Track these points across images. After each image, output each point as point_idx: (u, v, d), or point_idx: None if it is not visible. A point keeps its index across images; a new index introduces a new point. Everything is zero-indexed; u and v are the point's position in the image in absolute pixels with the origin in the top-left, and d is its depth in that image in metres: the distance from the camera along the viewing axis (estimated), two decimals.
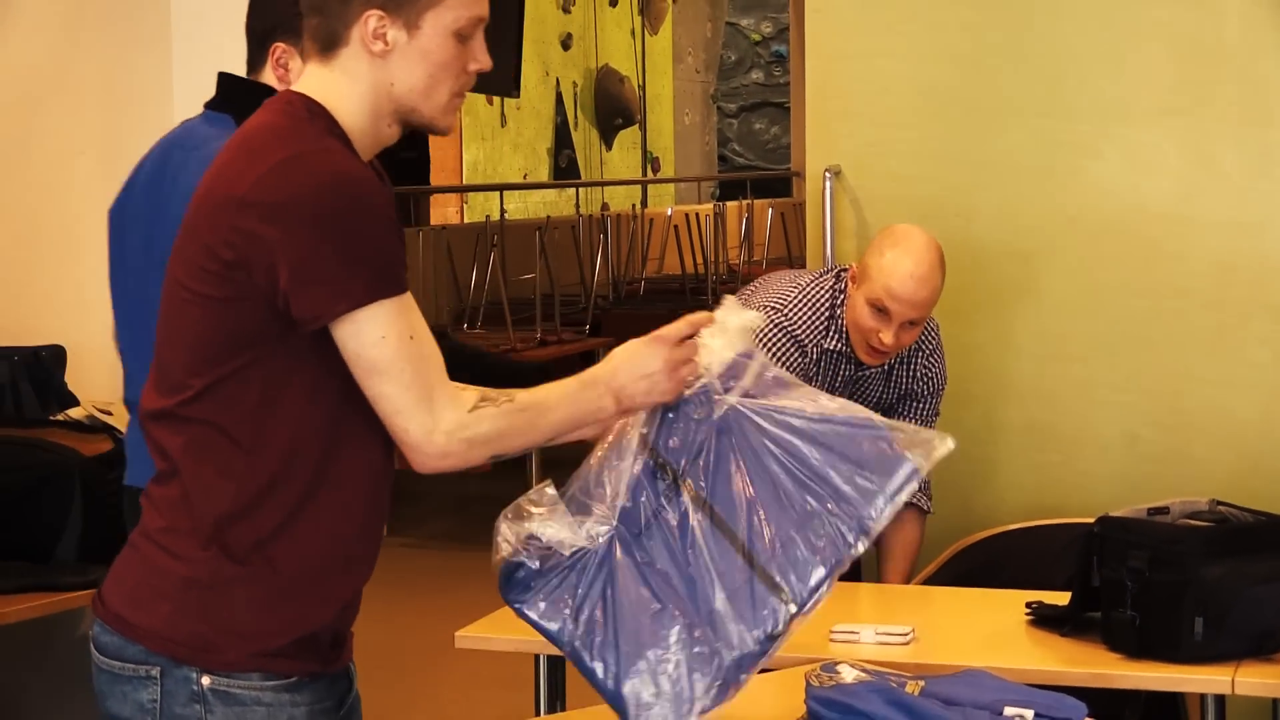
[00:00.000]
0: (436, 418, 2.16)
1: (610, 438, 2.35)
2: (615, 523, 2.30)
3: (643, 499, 2.31)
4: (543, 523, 2.29)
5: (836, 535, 2.28)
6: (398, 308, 2.16)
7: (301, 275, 2.12)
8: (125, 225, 3.35)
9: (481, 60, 2.28)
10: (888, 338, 3.79)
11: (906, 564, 4.05)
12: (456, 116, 2.33)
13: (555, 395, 2.28)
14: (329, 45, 2.24)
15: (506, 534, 2.29)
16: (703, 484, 2.29)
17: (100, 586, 2.30)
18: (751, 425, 2.32)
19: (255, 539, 2.20)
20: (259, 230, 2.13)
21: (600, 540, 2.30)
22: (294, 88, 2.28)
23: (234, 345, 2.18)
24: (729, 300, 2.40)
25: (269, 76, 3.15)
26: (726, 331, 2.33)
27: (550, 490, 2.31)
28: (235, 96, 3.16)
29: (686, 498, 2.29)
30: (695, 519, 2.29)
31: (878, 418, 2.36)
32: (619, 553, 2.29)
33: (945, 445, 2.33)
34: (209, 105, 3.27)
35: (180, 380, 2.22)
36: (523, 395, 2.25)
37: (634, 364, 2.30)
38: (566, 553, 2.29)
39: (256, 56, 3.19)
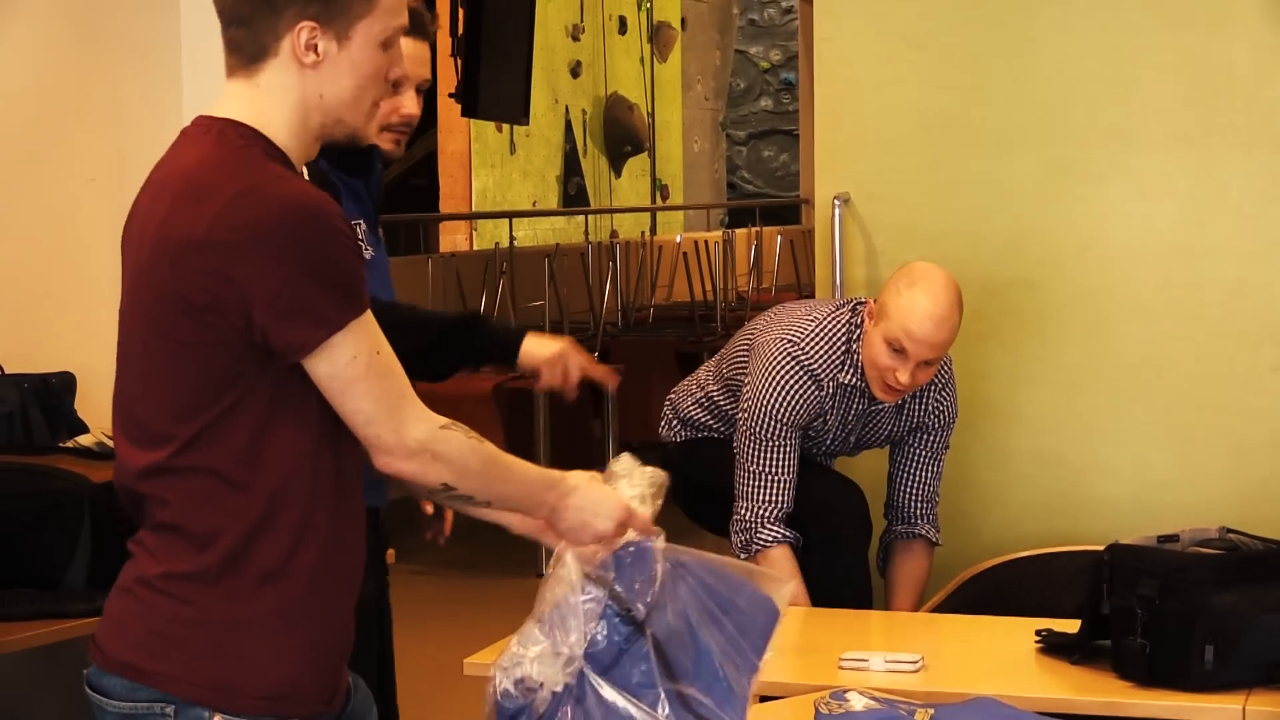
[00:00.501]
0: (409, 424, 2.19)
1: (553, 570, 2.40)
2: (582, 660, 2.33)
3: (600, 637, 2.34)
4: (533, 663, 2.32)
5: (739, 680, 2.37)
6: (363, 326, 2.17)
7: (278, 308, 2.12)
8: None
9: (399, 69, 2.28)
10: (904, 376, 3.78)
11: (914, 594, 4.05)
12: (378, 124, 2.34)
13: (518, 471, 2.32)
14: (255, 58, 2.23)
15: (503, 682, 2.33)
16: (660, 629, 2.34)
17: (95, 634, 2.29)
18: (683, 573, 2.39)
19: (262, 572, 2.20)
20: (225, 269, 2.12)
21: (571, 676, 2.33)
22: (215, 110, 2.26)
23: (217, 388, 2.17)
24: (626, 457, 2.46)
25: None
26: (640, 486, 2.42)
27: (536, 629, 2.34)
28: None
29: (649, 647, 2.33)
30: (655, 670, 2.32)
31: (733, 563, 2.47)
32: (592, 685, 2.33)
33: (788, 589, 2.51)
34: None
35: (165, 431, 2.20)
36: (492, 447, 2.29)
37: (592, 504, 2.35)
38: (559, 688, 2.32)
39: None
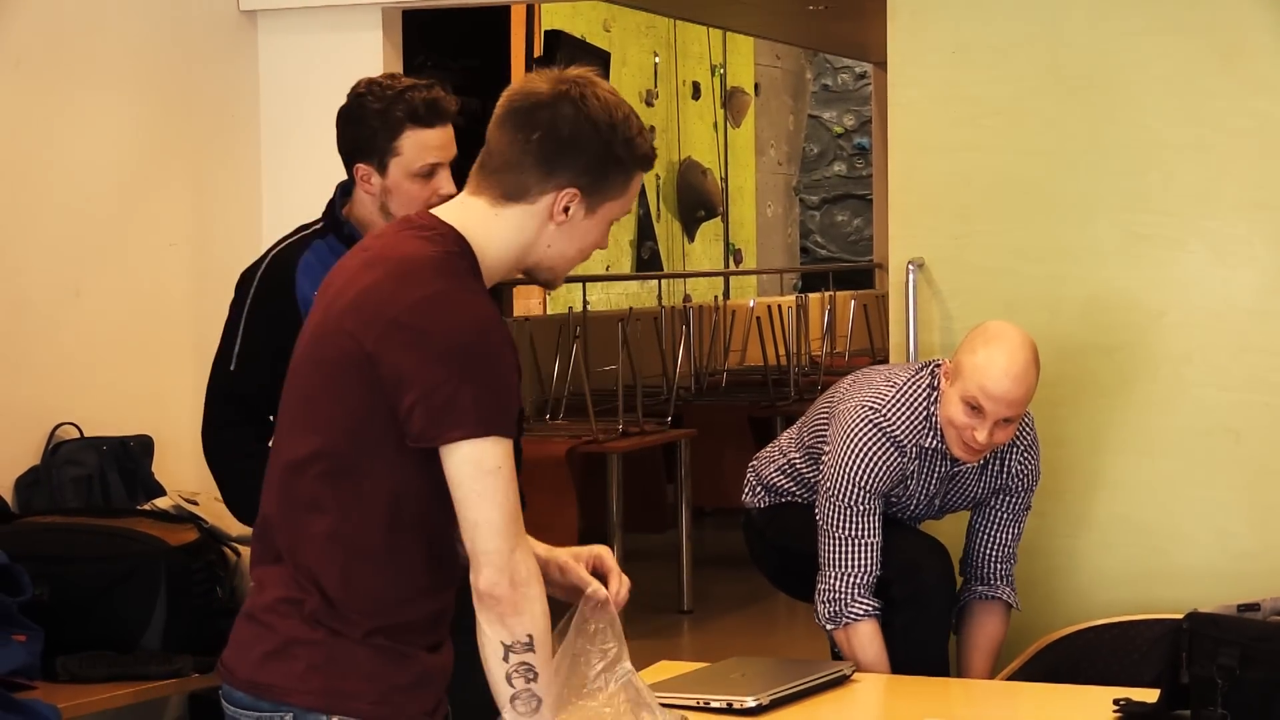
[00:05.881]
0: (523, 554, 2.37)
1: None
2: None
3: None
4: None
5: None
6: (507, 448, 2.37)
7: (434, 401, 2.33)
8: None
9: (605, 244, 2.53)
10: (982, 435, 3.76)
11: (990, 658, 4.02)
12: None
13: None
14: (510, 197, 2.45)
15: None
16: None
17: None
18: None
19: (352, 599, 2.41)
20: (400, 348, 2.34)
21: None
22: (448, 213, 2.47)
23: (343, 440, 2.41)
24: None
25: (359, 190, 3.55)
26: None
27: None
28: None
29: None
30: None
31: None
32: None
33: None
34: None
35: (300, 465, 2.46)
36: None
37: None
38: None
39: (349, 173, 3.56)
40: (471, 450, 2.34)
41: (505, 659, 2.36)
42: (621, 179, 2.47)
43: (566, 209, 2.44)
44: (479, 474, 2.34)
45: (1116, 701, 3.39)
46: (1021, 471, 3.99)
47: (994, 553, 4.04)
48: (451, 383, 2.32)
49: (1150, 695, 3.35)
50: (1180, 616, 3.35)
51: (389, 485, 2.39)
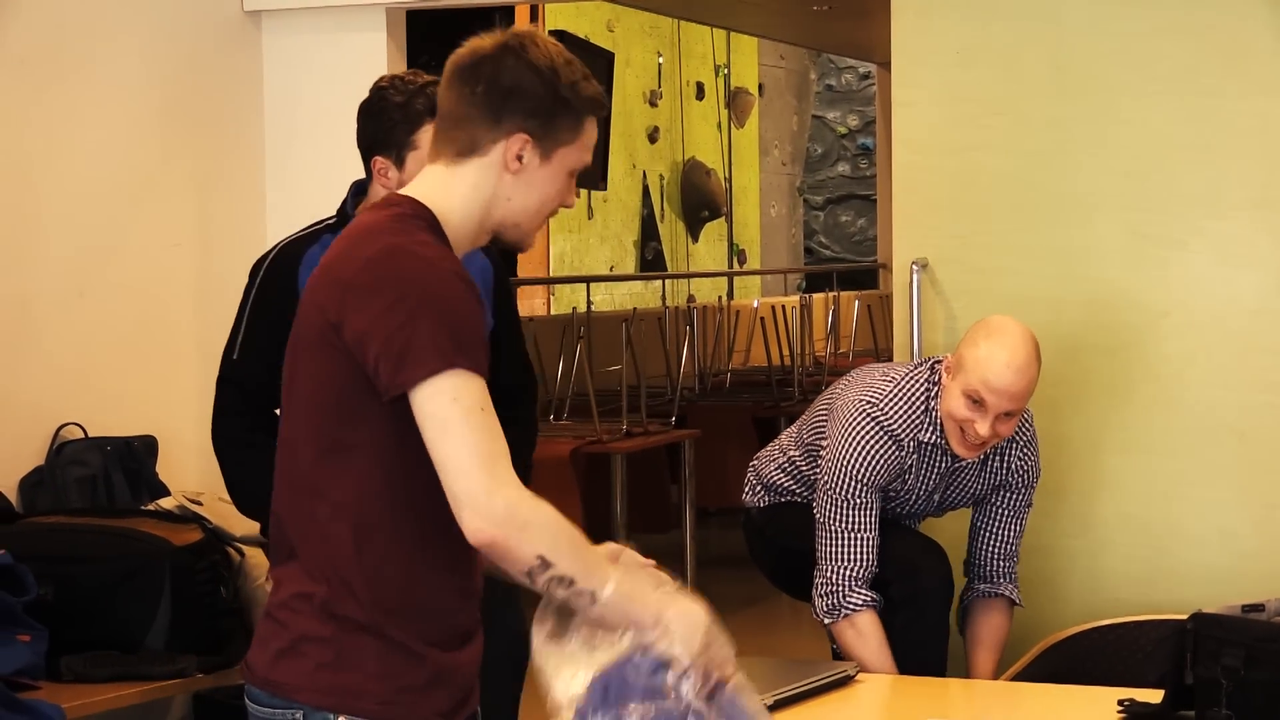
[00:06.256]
0: (500, 484, 2.30)
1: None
2: None
3: None
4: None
5: None
6: (474, 382, 2.32)
7: (389, 348, 2.30)
8: None
9: (571, 200, 2.52)
10: (983, 429, 3.77)
11: (995, 654, 4.03)
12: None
13: (613, 570, 2.37)
14: (463, 153, 2.46)
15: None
16: None
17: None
18: None
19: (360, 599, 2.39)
20: (356, 307, 2.34)
21: None
22: (406, 188, 2.50)
23: (335, 419, 2.39)
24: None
25: (376, 184, 3.58)
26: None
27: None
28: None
29: None
30: None
31: None
32: None
33: None
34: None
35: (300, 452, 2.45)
36: (583, 537, 2.37)
37: (690, 616, 2.41)
38: None
39: (366, 168, 3.61)
40: (432, 387, 2.29)
41: (533, 582, 2.31)
42: (571, 122, 2.47)
43: (520, 157, 2.44)
44: (439, 408, 2.29)
45: (1121, 702, 3.39)
46: (1021, 468, 3.99)
47: (996, 550, 4.04)
48: (406, 327, 2.30)
49: (1154, 696, 3.35)
50: (1184, 617, 3.35)
51: (381, 457, 2.37)
